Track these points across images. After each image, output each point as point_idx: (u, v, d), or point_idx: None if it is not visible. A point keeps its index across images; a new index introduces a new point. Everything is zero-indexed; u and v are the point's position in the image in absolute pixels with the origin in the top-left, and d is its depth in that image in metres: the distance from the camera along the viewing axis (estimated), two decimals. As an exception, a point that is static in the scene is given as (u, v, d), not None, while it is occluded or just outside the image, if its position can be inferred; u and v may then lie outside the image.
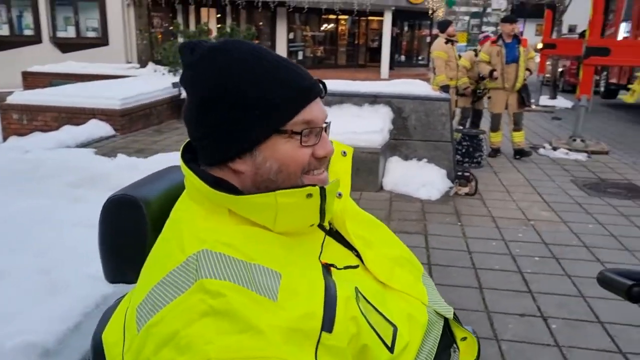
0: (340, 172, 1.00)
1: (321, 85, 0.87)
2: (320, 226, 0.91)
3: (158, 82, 10.18)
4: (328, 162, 0.91)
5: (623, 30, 12.44)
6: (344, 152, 1.04)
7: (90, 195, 3.00)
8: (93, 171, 3.17)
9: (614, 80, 12.94)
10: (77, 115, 8.17)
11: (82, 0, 17.38)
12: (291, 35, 20.75)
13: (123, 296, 0.94)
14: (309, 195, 0.81)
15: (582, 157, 7.26)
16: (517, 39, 6.88)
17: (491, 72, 6.79)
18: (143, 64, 14.48)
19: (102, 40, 17.50)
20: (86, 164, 3.23)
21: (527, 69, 6.87)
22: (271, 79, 0.80)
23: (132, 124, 8.56)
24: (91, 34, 17.75)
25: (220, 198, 0.80)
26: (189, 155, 0.87)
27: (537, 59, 8.98)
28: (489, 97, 7.21)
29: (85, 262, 2.03)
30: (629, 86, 11.47)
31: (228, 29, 12.46)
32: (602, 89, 13.87)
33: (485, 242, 4.14)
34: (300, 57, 20.10)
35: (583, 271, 3.61)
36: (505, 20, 7.16)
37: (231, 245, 0.76)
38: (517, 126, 7.03)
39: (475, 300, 3.19)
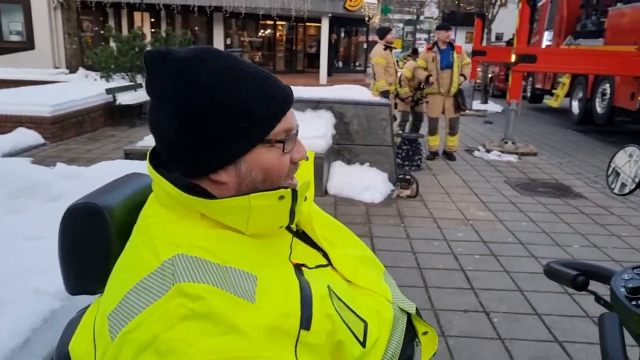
0: (304, 175, 1.02)
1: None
2: (287, 227, 0.93)
3: (90, 88, 9.79)
4: (299, 165, 0.93)
5: (546, 39, 13.17)
6: (306, 157, 1.07)
7: (30, 205, 2.84)
8: (32, 181, 2.99)
9: (539, 86, 13.67)
10: (1, 124, 7.75)
11: (4, 2, 16.52)
12: (228, 41, 20.63)
13: (86, 307, 0.91)
14: (281, 197, 0.83)
15: (513, 158, 7.64)
16: (451, 45, 7.15)
17: (427, 77, 7.04)
18: (73, 69, 13.92)
19: (27, 44, 16.70)
20: (23, 173, 3.05)
21: (462, 75, 7.14)
22: (255, 91, 0.80)
23: (64, 131, 8.19)
24: (15, 38, 16.91)
25: (194, 202, 0.79)
26: (156, 161, 0.86)
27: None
28: (427, 102, 7.45)
29: (29, 276, 1.94)
30: (553, 91, 12.20)
31: (163, 34, 12.19)
32: (528, 94, 14.61)
33: (428, 242, 4.27)
34: (238, 62, 20.00)
35: (520, 267, 3.81)
36: (440, 27, 7.43)
37: (206, 248, 0.76)
38: (452, 130, 7.31)
39: (421, 299, 3.28)
